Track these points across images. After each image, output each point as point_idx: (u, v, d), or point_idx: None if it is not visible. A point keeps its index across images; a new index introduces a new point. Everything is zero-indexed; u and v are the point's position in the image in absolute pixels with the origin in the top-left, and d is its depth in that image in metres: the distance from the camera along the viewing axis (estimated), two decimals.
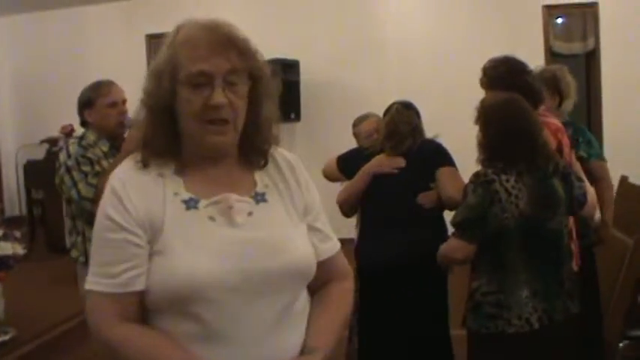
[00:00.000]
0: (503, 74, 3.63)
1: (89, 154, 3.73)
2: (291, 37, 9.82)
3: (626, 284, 4.47)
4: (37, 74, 10.81)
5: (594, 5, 9.22)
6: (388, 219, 3.98)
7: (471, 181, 3.12)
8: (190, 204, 1.79)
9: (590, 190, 3.52)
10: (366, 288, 3.98)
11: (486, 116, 3.19)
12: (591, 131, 9.19)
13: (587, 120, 9.64)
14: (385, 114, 4.26)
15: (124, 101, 3.88)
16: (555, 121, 3.73)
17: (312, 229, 1.97)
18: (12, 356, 4.90)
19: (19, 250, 5.35)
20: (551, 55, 9.33)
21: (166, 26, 7.61)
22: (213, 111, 1.75)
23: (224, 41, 1.81)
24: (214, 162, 1.86)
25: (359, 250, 4.13)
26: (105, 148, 3.81)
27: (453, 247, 3.21)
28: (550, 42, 9.42)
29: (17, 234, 5.43)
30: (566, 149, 3.69)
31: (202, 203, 1.80)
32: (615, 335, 3.91)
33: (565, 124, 4.44)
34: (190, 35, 1.82)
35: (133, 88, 7.98)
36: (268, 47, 8.32)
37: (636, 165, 8.40)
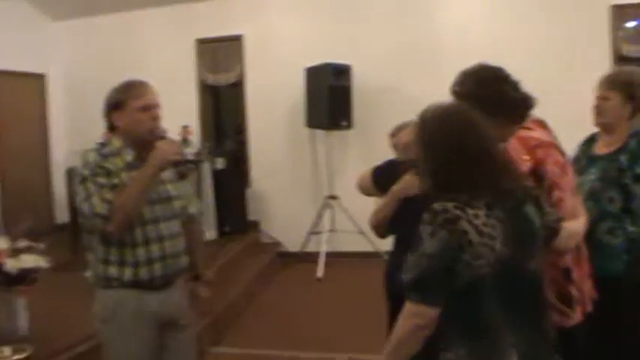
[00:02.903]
0: (471, 89, 3.05)
1: (108, 164, 3.26)
2: (343, 41, 9.58)
3: None
4: (88, 79, 10.72)
5: None
6: None
7: (426, 222, 2.31)
8: None
9: (579, 218, 2.92)
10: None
11: (429, 133, 2.45)
12: None
13: None
14: None
15: (157, 105, 3.41)
16: (538, 135, 3.08)
17: None
18: None
19: (42, 263, 5.13)
20: (619, 59, 8.75)
21: (216, 31, 7.43)
22: None
23: None
24: None
25: (388, 274, 3.74)
26: (129, 158, 3.34)
27: (411, 312, 2.34)
28: (618, 44, 8.84)
29: (41, 246, 5.20)
30: (553, 168, 2.99)
31: None
32: None
33: (632, 134, 3.88)
34: None
35: (182, 93, 7.78)
36: (319, 51, 8.14)
37: None
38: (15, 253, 5.07)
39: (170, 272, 3.42)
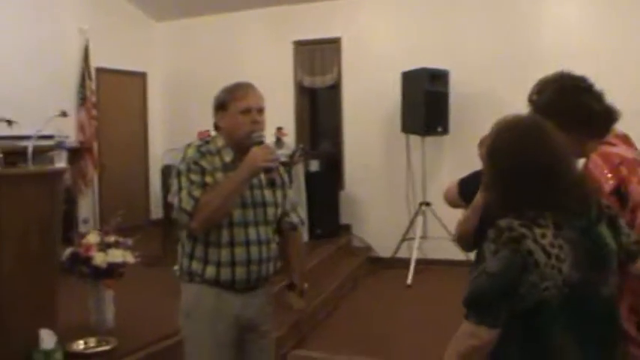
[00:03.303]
0: (550, 99, 2.77)
1: (204, 162, 3.28)
2: (441, 46, 9.47)
3: None
4: (186, 79, 10.94)
5: None
6: None
7: (490, 240, 2.19)
8: None
9: None
10: None
11: (496, 144, 2.30)
12: None
13: None
14: None
15: (260, 110, 3.36)
16: (622, 152, 2.80)
17: None
18: None
19: (130, 258, 5.22)
20: None
21: (314, 33, 7.42)
22: None
23: None
24: None
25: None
26: (228, 159, 3.34)
27: (467, 332, 2.21)
28: None
29: (129, 242, 5.29)
30: (638, 188, 2.69)
31: None
32: None
33: None
34: None
35: (279, 94, 7.84)
36: (417, 56, 8.01)
37: None
38: (104, 247, 5.17)
39: (253, 277, 3.37)
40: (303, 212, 3.75)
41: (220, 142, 3.37)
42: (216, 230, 3.27)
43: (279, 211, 3.53)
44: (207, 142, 3.39)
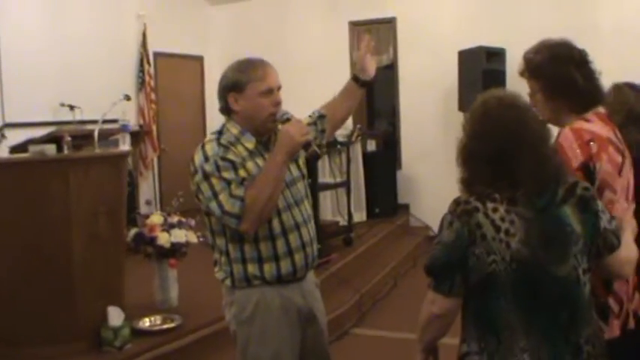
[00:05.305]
0: (541, 62, 2.78)
1: (231, 156, 2.96)
2: (497, 24, 9.37)
3: None
4: None
5: None
6: None
7: (448, 211, 2.29)
8: None
9: (628, 239, 2.47)
10: None
11: (469, 121, 2.35)
12: None
13: None
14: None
15: (279, 88, 3.08)
16: (595, 129, 2.70)
17: None
18: (172, 345, 4.87)
19: (193, 238, 5.35)
20: None
21: (369, 13, 7.44)
22: None
23: None
24: None
25: None
26: (250, 145, 3.03)
27: (428, 299, 2.34)
28: None
29: (192, 222, 5.41)
30: (606, 166, 2.65)
31: None
32: None
33: None
34: None
35: (335, 75, 7.80)
36: (473, 34, 7.98)
37: None
38: (167, 227, 5.31)
39: (310, 260, 3.20)
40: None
41: (235, 129, 3.06)
42: (264, 223, 3.01)
43: (306, 181, 3.31)
44: (220, 133, 3.07)
